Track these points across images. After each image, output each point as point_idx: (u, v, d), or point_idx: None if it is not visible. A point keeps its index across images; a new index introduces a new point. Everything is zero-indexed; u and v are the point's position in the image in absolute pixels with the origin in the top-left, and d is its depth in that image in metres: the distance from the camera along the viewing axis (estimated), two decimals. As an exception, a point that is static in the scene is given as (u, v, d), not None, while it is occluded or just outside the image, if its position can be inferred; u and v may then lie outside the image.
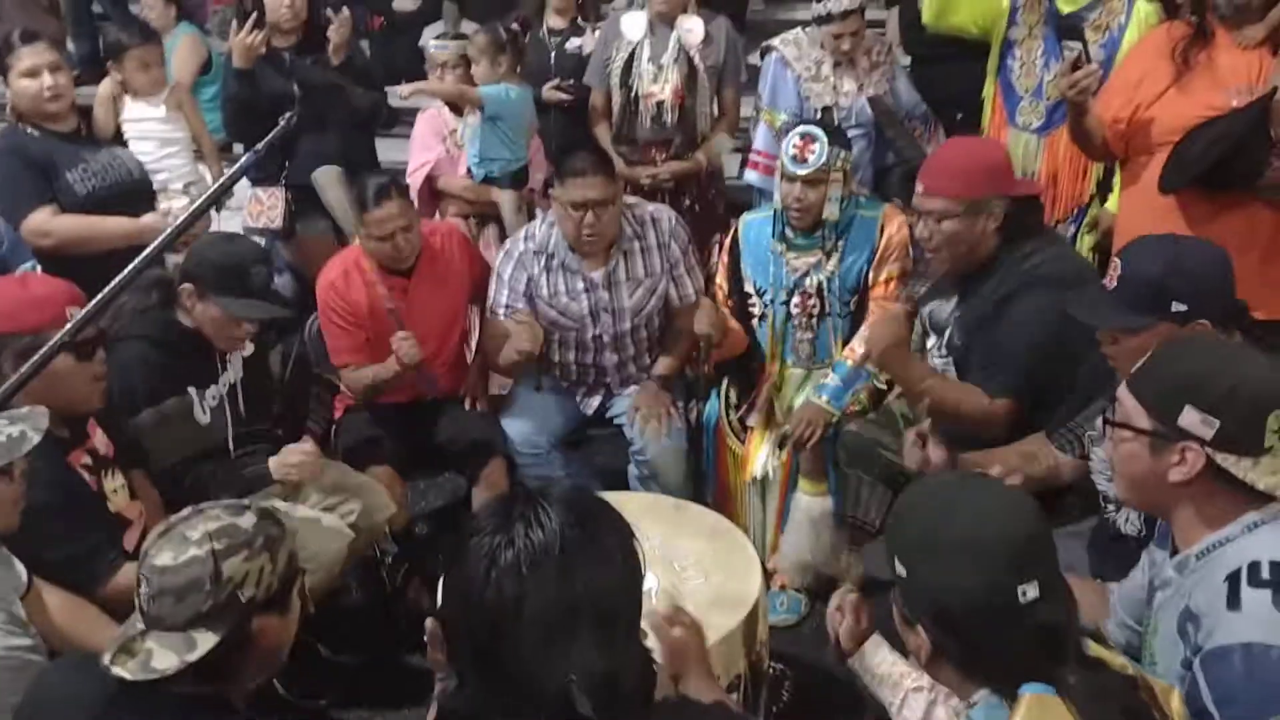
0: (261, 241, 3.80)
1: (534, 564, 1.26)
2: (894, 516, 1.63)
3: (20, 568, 2.14)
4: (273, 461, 2.85)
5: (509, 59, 4.05)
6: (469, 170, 4.15)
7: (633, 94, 4.08)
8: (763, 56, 4.09)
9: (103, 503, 2.50)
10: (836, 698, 2.72)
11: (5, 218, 3.28)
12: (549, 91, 4.35)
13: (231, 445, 2.94)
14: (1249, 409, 1.66)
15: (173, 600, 1.64)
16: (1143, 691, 1.52)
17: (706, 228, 4.11)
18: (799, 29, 4.02)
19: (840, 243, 3.23)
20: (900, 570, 1.56)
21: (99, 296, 2.33)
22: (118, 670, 1.62)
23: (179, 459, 2.81)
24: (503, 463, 3.36)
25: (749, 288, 3.37)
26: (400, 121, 4.57)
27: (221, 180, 2.76)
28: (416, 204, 3.81)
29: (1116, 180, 3.37)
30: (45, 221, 3.34)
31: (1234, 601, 1.62)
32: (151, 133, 3.93)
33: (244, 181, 3.91)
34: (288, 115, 2.74)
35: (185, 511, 1.73)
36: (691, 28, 4.04)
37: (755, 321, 3.38)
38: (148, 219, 3.44)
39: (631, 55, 4.07)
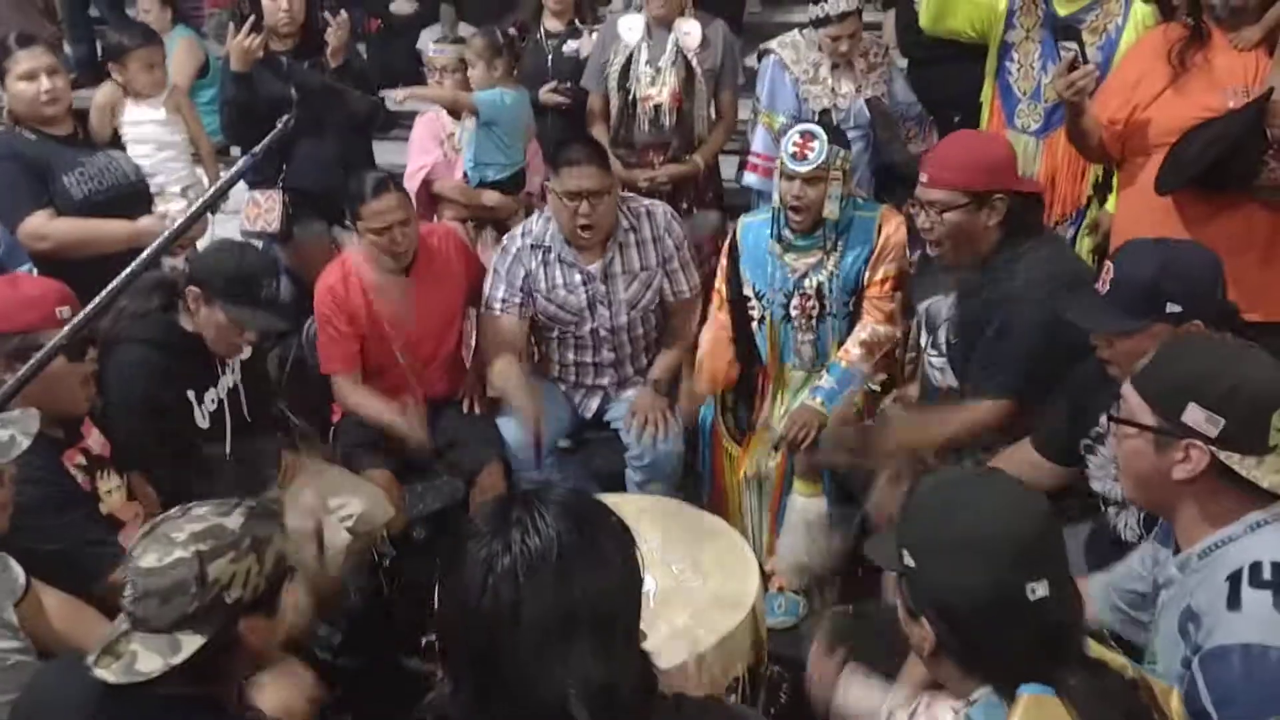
0: (259, 244, 3.81)
1: (531, 570, 1.25)
2: (905, 508, 1.62)
3: (17, 571, 2.13)
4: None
5: (505, 62, 4.05)
6: (465, 175, 4.15)
7: (630, 97, 4.09)
8: (760, 59, 4.09)
9: (95, 503, 2.49)
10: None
11: (2, 221, 3.27)
12: (546, 94, 4.35)
13: (230, 448, 2.94)
14: (1253, 407, 1.66)
15: (158, 602, 1.63)
16: (1143, 693, 1.52)
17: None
18: (796, 31, 4.01)
19: (839, 243, 3.24)
20: (909, 562, 1.55)
21: (97, 299, 2.32)
22: (101, 672, 1.62)
23: (177, 461, 2.81)
24: (500, 466, 3.36)
25: (747, 290, 3.37)
26: (398, 125, 4.58)
27: (219, 183, 2.77)
28: (415, 207, 3.81)
29: (1116, 182, 3.37)
30: (42, 225, 3.34)
31: (1234, 601, 1.62)
32: (150, 136, 3.93)
33: (241, 184, 3.91)
34: (285, 118, 2.74)
35: (172, 511, 1.72)
36: (689, 31, 4.04)
37: (754, 325, 3.38)
38: (145, 222, 3.44)
39: (629, 59, 4.07)
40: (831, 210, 3.18)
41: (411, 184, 4.16)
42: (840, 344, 3.28)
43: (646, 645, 1.36)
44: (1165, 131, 2.94)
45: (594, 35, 4.35)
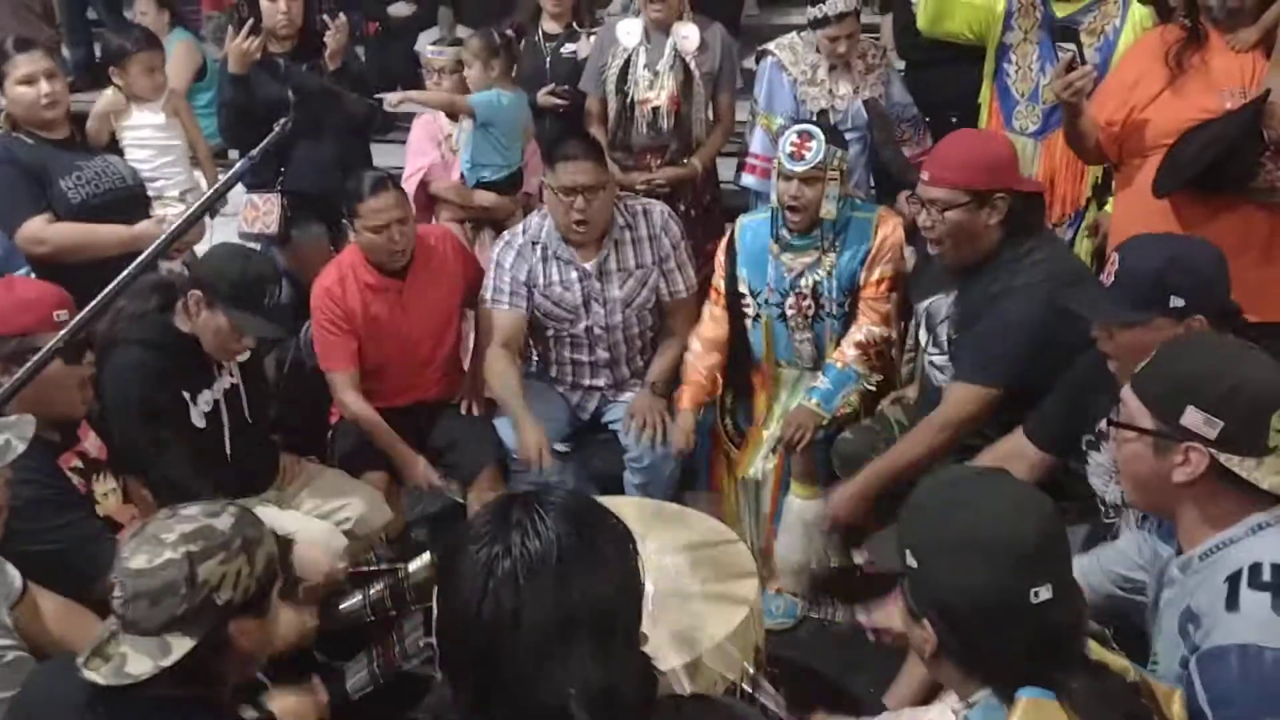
0: (257, 246, 3.80)
1: (532, 573, 1.24)
2: (908, 508, 1.61)
3: (13, 574, 2.13)
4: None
5: (502, 63, 4.04)
6: (461, 176, 4.15)
7: (628, 100, 4.08)
8: (758, 61, 4.09)
9: (91, 506, 2.49)
10: (833, 701, 2.71)
11: (0, 226, 3.27)
12: (544, 97, 4.35)
13: (228, 449, 2.94)
14: (1252, 408, 1.66)
15: (147, 604, 1.62)
16: (1144, 696, 1.52)
17: (703, 233, 4.11)
18: (794, 33, 4.02)
19: (836, 243, 3.24)
20: (911, 562, 1.55)
21: (95, 301, 2.32)
22: (90, 674, 1.61)
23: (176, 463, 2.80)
24: (498, 468, 3.36)
25: (742, 287, 3.37)
26: (396, 127, 4.57)
27: (217, 186, 2.77)
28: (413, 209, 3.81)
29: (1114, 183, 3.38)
30: (40, 229, 3.34)
31: (1233, 602, 1.62)
32: (149, 140, 3.93)
33: (239, 187, 3.90)
34: (283, 121, 2.75)
35: (161, 513, 1.71)
36: (687, 34, 4.03)
37: (749, 323, 3.39)
38: (142, 226, 3.44)
39: (627, 62, 4.06)
40: (828, 210, 3.18)
41: (409, 185, 4.15)
42: (835, 343, 3.29)
43: (646, 647, 1.36)
44: (1162, 133, 2.94)
45: (592, 38, 4.35)
